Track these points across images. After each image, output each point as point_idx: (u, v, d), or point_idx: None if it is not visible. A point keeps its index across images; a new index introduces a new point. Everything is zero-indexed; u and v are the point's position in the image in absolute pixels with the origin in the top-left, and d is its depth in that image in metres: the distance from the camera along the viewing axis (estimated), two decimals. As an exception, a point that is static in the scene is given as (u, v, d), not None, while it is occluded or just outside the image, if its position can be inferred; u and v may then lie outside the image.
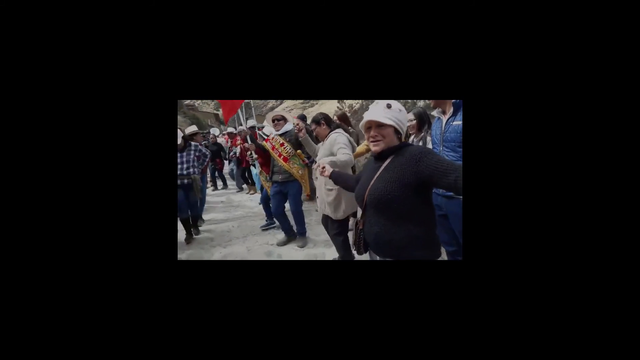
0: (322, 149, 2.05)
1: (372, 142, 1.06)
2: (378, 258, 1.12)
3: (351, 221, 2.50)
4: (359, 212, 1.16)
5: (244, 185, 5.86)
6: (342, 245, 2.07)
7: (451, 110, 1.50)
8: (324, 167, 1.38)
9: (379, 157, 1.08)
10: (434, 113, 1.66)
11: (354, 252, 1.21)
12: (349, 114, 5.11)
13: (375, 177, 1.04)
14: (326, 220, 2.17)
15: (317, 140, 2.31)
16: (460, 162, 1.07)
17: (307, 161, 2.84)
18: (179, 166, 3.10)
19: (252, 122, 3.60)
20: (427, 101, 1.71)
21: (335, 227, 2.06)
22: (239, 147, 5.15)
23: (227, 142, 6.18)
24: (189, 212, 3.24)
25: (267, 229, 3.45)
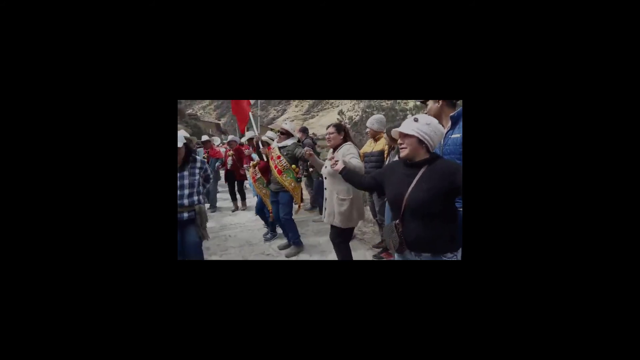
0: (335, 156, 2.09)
1: (401, 148, 1.24)
2: (412, 255, 1.23)
3: (351, 230, 2.47)
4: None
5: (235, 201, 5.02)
6: (345, 252, 2.11)
7: (449, 123, 1.52)
8: (337, 161, 1.46)
9: (412, 165, 1.22)
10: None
11: (393, 249, 1.28)
12: (348, 126, 5.16)
13: (413, 185, 1.18)
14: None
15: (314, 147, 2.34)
16: None
17: (300, 175, 2.93)
18: (178, 192, 1.86)
19: (251, 134, 3.58)
20: (425, 112, 1.72)
21: (342, 236, 2.10)
22: (230, 158, 4.43)
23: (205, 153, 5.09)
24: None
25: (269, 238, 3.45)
